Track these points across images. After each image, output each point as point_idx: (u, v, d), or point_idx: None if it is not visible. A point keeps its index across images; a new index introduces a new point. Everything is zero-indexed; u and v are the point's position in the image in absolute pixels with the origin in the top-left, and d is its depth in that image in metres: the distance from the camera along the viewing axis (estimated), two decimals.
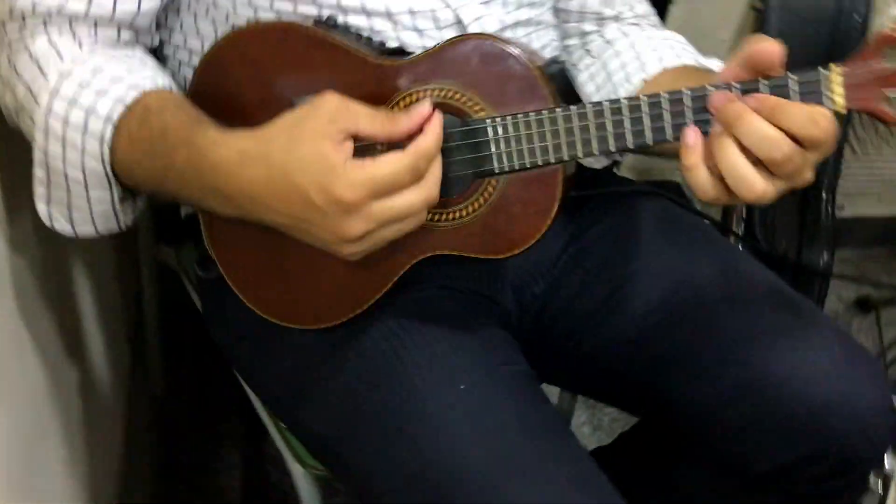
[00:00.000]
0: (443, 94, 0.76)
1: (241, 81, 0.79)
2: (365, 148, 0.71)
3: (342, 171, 0.68)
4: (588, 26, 1.01)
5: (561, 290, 0.96)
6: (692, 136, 0.71)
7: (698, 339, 0.89)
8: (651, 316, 0.91)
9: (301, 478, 1.04)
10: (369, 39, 0.81)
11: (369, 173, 0.69)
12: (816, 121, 0.68)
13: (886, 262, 2.05)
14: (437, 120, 0.73)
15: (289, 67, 0.78)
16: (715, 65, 0.95)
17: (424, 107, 0.73)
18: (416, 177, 0.71)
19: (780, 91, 0.68)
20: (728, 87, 0.69)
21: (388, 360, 0.81)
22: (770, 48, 0.69)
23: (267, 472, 1.52)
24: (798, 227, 1.45)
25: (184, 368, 1.61)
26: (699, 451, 0.94)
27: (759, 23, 1.54)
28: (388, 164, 0.69)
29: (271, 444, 1.11)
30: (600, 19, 1.01)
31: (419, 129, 0.72)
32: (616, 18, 1.01)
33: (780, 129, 0.68)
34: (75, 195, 0.79)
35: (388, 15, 0.84)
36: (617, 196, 1.03)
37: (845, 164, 1.59)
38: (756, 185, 0.69)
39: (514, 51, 0.74)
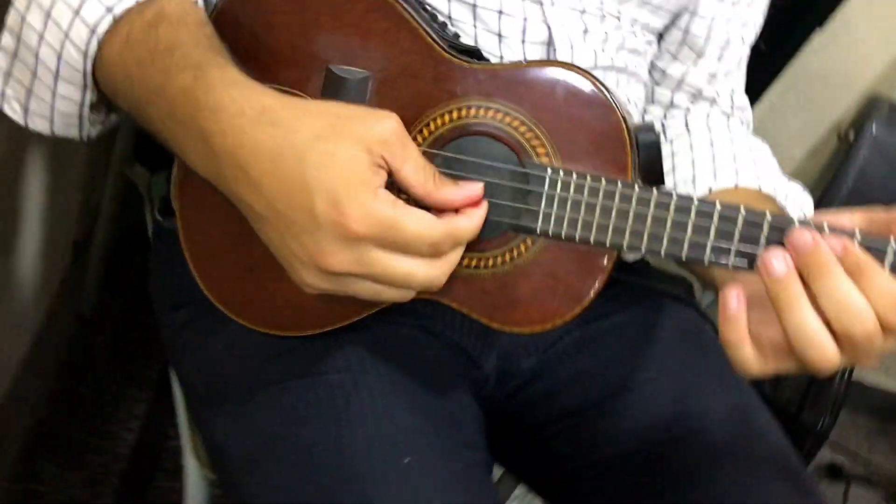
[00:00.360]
0: (506, 120, 0.62)
1: (279, 21, 0.64)
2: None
3: (368, 194, 0.55)
4: (680, 99, 0.88)
5: (552, 373, 0.84)
6: (735, 302, 0.57)
7: (685, 486, 0.76)
8: (642, 439, 0.79)
9: (192, 473, 0.90)
10: (444, 25, 0.68)
11: (395, 216, 0.56)
12: None
13: (870, 437, 1.95)
14: (483, 210, 0.61)
15: (340, 24, 0.64)
16: (795, 200, 0.83)
17: (476, 189, 0.61)
18: (433, 254, 0.58)
19: None
20: (849, 235, 0.56)
21: (332, 397, 0.68)
22: None
23: (167, 436, 1.38)
24: (808, 381, 1.33)
25: (120, 297, 1.46)
26: None
27: (841, 154, 1.42)
28: (418, 224, 0.56)
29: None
30: (696, 96, 0.88)
31: (457, 207, 0.61)
32: (712, 101, 0.88)
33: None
34: (40, 82, 0.65)
35: (473, 6, 0.70)
36: (644, 290, 0.90)
37: None
38: (828, 350, 0.56)
39: (611, 99, 0.60)
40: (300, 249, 0.57)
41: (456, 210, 0.60)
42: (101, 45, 0.62)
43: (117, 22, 0.62)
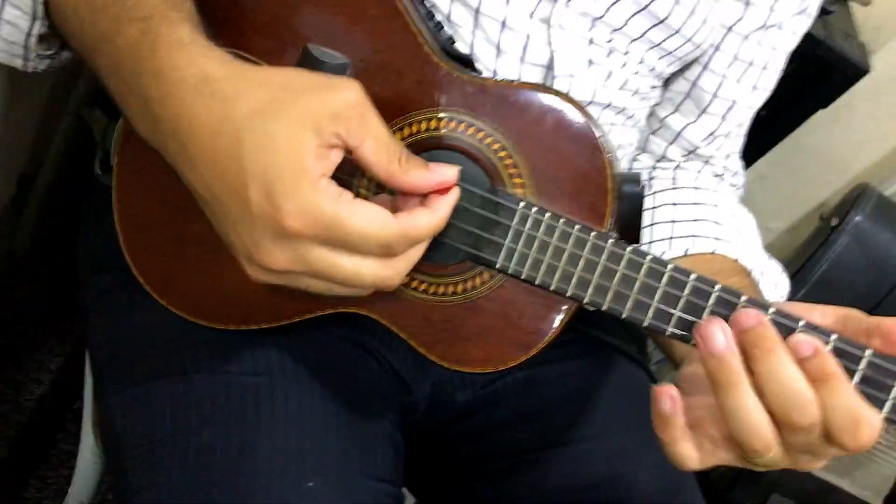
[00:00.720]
0: (486, 140, 0.57)
1: None
2: (350, 171, 0.52)
3: (306, 187, 0.48)
4: (673, 153, 0.84)
5: (488, 411, 0.79)
6: (669, 403, 0.52)
7: None
8: (568, 496, 0.75)
9: (87, 449, 0.84)
10: (439, 27, 0.62)
11: (335, 214, 0.49)
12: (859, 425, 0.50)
13: None
14: (452, 199, 0.54)
15: (329, 4, 0.59)
16: (770, 278, 0.79)
17: (449, 174, 0.54)
18: (386, 253, 0.51)
19: (877, 374, 0.51)
20: (824, 336, 0.51)
21: (243, 401, 0.62)
22: None
23: (78, 396, 1.30)
24: None
25: (55, 243, 1.38)
26: None
27: (820, 236, 1.39)
28: (365, 223, 0.50)
29: None
30: (690, 152, 0.84)
31: (425, 192, 0.53)
32: (706, 161, 0.84)
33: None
34: None
35: (476, 11, 0.65)
36: (596, 342, 0.86)
37: None
38: (767, 438, 0.50)
39: (602, 142, 0.55)
40: (238, 241, 0.51)
41: (424, 196, 0.53)
42: None
43: None
